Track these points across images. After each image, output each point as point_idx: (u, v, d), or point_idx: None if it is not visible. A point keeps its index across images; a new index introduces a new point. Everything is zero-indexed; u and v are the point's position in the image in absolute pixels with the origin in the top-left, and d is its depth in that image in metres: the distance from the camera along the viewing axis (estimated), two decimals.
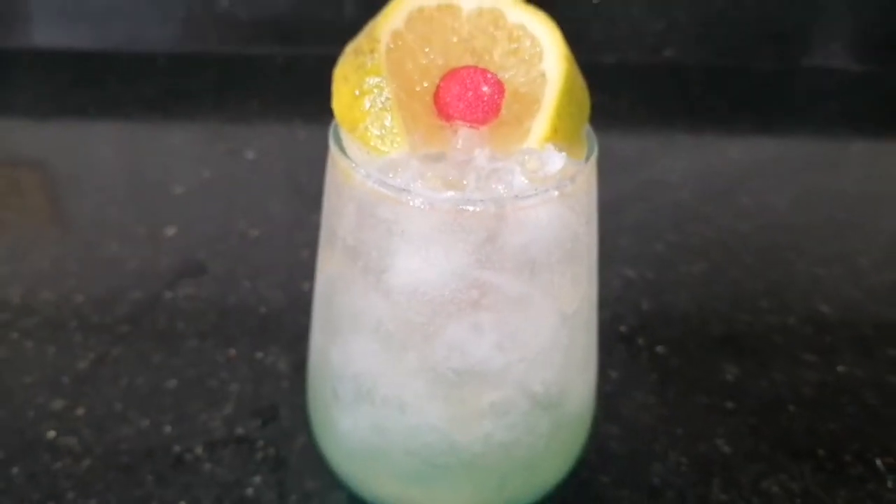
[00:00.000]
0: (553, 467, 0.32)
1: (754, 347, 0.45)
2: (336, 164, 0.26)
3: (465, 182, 0.24)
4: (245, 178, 0.58)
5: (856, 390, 0.43)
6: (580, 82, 0.28)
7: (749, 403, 0.42)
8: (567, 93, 0.27)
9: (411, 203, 0.24)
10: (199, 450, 0.38)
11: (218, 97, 0.68)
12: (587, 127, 0.28)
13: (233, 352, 0.43)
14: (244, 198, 0.56)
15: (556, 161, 0.25)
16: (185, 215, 0.54)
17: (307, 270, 0.49)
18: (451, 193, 0.24)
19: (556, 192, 0.25)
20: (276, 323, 0.46)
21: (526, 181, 0.24)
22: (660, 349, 0.45)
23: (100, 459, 0.38)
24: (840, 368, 0.44)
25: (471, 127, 0.27)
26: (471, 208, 0.24)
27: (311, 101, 0.67)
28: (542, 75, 0.28)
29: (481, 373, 0.27)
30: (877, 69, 0.74)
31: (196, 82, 0.70)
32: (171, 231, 0.52)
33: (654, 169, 0.61)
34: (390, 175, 0.25)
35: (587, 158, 0.26)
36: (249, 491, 0.37)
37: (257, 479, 0.37)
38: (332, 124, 0.28)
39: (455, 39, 0.28)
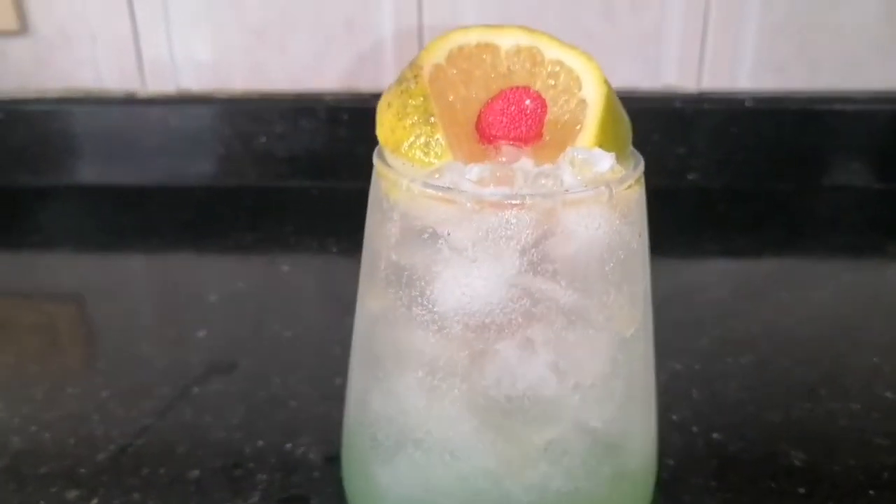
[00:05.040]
0: None
1: (819, 433, 0.42)
2: (380, 178, 0.26)
3: (513, 179, 0.24)
4: (279, 288, 0.58)
5: None
6: (619, 105, 0.28)
7: (824, 488, 0.38)
8: (608, 112, 0.27)
9: (458, 202, 0.24)
10: None
11: (253, 220, 0.70)
12: (631, 148, 0.28)
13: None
14: (278, 304, 0.55)
15: (606, 160, 0.24)
16: (217, 320, 0.53)
17: (339, 367, 0.47)
18: (499, 189, 0.24)
19: (607, 191, 0.24)
20: (307, 415, 0.43)
21: (576, 179, 0.24)
22: (716, 436, 0.42)
23: None
24: None
25: (514, 146, 0.27)
26: (520, 202, 0.23)
27: (346, 225, 0.69)
28: (582, 101, 0.28)
29: (535, 400, 0.25)
30: None
31: (232, 209, 0.72)
32: (202, 333, 0.51)
33: (688, 274, 0.61)
34: (434, 177, 0.24)
35: (635, 167, 0.26)
36: None
37: None
38: (376, 148, 0.28)
39: (494, 75, 0.29)
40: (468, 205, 0.24)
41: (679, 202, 0.75)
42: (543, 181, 0.24)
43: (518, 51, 0.29)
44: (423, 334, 0.25)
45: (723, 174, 0.76)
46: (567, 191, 0.24)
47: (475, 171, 0.24)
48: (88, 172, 0.75)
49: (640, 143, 0.80)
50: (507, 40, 0.29)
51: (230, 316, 0.54)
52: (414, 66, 0.28)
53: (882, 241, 0.67)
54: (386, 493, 0.28)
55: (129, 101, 0.74)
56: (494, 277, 0.24)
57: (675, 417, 0.43)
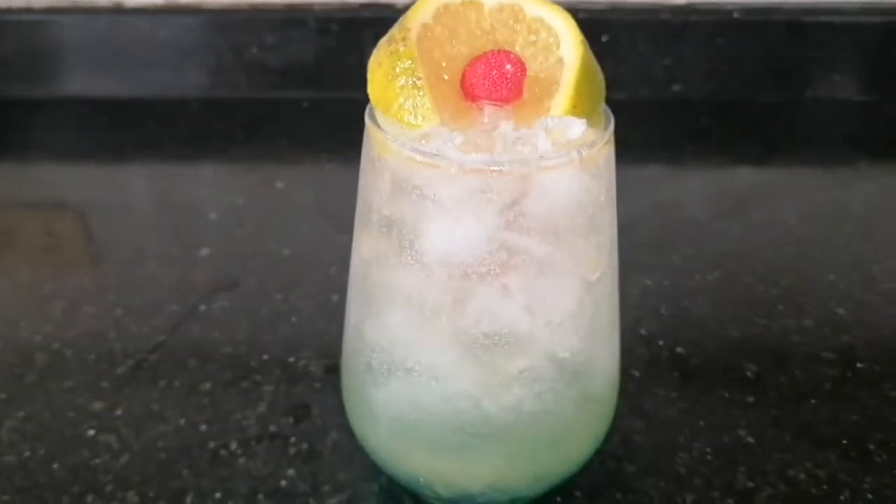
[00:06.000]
0: (581, 442, 0.33)
1: (772, 347, 0.46)
2: (372, 138, 0.29)
3: (492, 146, 0.26)
4: (276, 205, 0.61)
5: (875, 384, 0.43)
6: (595, 64, 0.30)
7: (770, 397, 0.43)
8: (583, 72, 0.29)
9: (443, 167, 0.26)
10: (233, 445, 0.39)
11: (248, 135, 0.71)
12: (603, 105, 0.30)
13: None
14: (275, 222, 0.58)
15: (578, 127, 0.27)
16: (218, 238, 0.56)
17: (336, 284, 0.51)
18: (480, 156, 0.26)
19: (578, 155, 0.27)
20: (307, 330, 0.47)
21: (550, 145, 0.26)
22: (680, 350, 0.46)
23: (137, 455, 0.39)
24: (859, 365, 0.45)
25: (496, 105, 0.29)
26: (499, 169, 0.26)
27: (337, 139, 0.71)
28: (560, 60, 0.30)
29: (510, 336, 0.29)
30: (878, 98, 0.77)
31: (227, 123, 0.73)
32: (205, 251, 0.54)
33: (666, 191, 0.63)
34: (422, 143, 0.27)
35: (605, 129, 0.29)
36: (283, 483, 0.38)
37: (291, 471, 0.38)
38: (368, 107, 0.30)
39: (479, 32, 0.31)
40: (452, 170, 0.26)
41: (663, 114, 0.76)
42: (520, 147, 0.26)
43: (501, 8, 0.31)
44: (412, 280, 0.29)
45: (707, 86, 0.77)
46: (541, 157, 0.26)
47: (459, 138, 0.26)
48: (79, 84, 0.76)
49: (627, 54, 0.81)
50: None
51: (230, 234, 0.57)
52: (402, 27, 0.29)
53: (855, 156, 0.70)
54: (379, 411, 0.32)
55: (117, 11, 0.74)
56: (475, 233, 0.27)
57: (643, 332, 0.47)
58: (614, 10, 0.75)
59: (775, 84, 0.77)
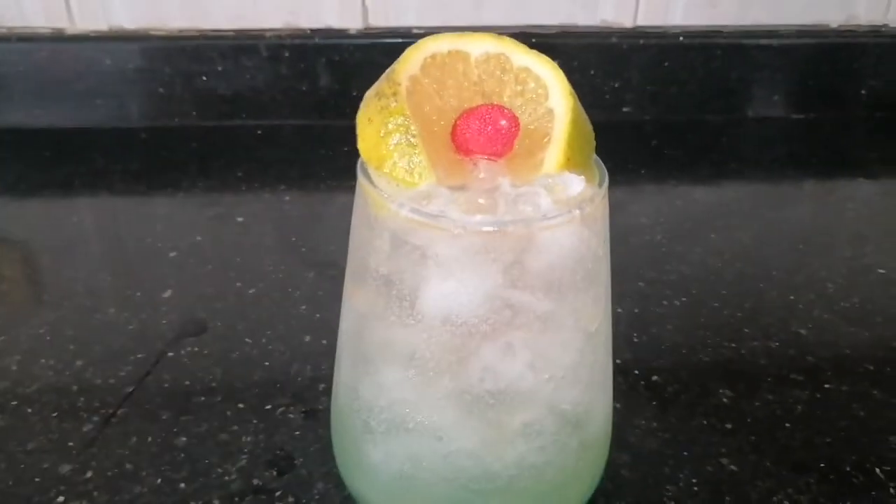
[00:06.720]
0: (580, 488, 0.33)
1: (743, 370, 0.47)
2: (368, 196, 0.28)
3: (495, 206, 0.26)
4: (236, 241, 0.59)
5: (844, 404, 0.45)
6: (584, 115, 0.30)
7: (747, 423, 0.44)
8: (574, 125, 0.29)
9: (445, 228, 0.26)
10: (216, 503, 0.38)
11: (202, 167, 0.69)
12: (595, 156, 0.30)
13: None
14: (238, 258, 0.57)
15: (577, 184, 0.27)
16: (180, 278, 0.54)
17: (307, 323, 0.50)
18: (483, 217, 0.26)
19: (579, 213, 0.27)
20: (282, 375, 0.46)
21: (551, 203, 0.26)
22: (655, 378, 0.47)
23: None
24: (827, 385, 0.46)
25: (489, 160, 0.29)
26: (503, 229, 0.26)
27: (295, 167, 0.70)
28: (550, 111, 0.30)
29: (514, 393, 0.29)
30: (813, 116, 0.81)
31: (179, 154, 0.71)
32: (167, 293, 0.52)
33: (626, 215, 0.65)
34: (423, 203, 0.26)
35: (600, 184, 0.29)
36: None
37: None
38: (359, 161, 0.29)
39: (466, 83, 0.30)
40: (456, 231, 0.26)
41: (615, 136, 0.78)
42: (522, 206, 0.26)
43: (487, 58, 0.31)
44: (413, 339, 0.28)
45: (655, 106, 0.79)
46: (544, 216, 0.26)
47: (461, 199, 0.26)
48: (20, 114, 0.73)
49: (579, 77, 0.82)
50: (476, 48, 0.31)
51: (192, 273, 0.55)
52: (392, 81, 0.29)
53: (796, 172, 0.73)
54: (377, 469, 0.32)
55: (58, 39, 0.71)
56: (479, 292, 0.27)
57: (618, 361, 0.48)
58: (564, 34, 0.76)
59: (719, 105, 0.80)
